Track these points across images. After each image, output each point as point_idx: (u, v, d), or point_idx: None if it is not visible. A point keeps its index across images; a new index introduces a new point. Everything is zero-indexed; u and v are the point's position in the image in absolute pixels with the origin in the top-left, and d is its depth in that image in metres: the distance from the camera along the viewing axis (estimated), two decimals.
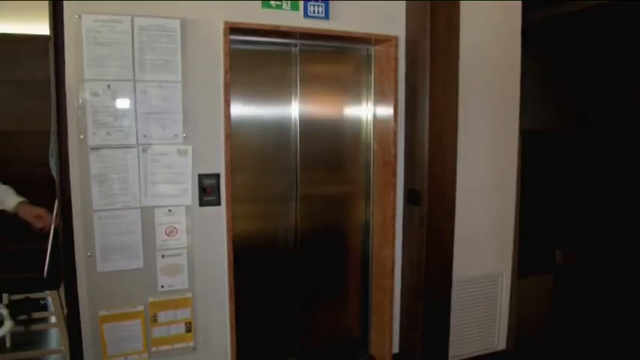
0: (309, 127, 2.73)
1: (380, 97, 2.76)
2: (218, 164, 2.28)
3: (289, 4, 2.39)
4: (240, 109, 2.57)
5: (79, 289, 2.12)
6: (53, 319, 2.92)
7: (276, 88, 2.64)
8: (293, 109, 2.69)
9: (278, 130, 2.67)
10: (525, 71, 2.83)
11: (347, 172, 2.88)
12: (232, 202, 2.39)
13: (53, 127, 2.09)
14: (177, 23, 2.15)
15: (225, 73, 2.23)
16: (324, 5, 2.46)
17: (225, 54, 2.23)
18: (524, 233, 2.97)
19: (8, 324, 1.54)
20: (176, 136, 2.19)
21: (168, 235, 2.22)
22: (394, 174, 2.68)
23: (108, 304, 2.15)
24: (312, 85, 2.71)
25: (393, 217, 2.71)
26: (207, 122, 2.24)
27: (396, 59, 2.60)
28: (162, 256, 2.21)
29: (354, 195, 2.91)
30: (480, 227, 2.85)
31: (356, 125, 2.86)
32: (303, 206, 2.74)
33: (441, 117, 2.52)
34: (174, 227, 2.22)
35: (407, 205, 2.71)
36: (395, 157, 2.66)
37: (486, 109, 2.78)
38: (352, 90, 2.82)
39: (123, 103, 2.11)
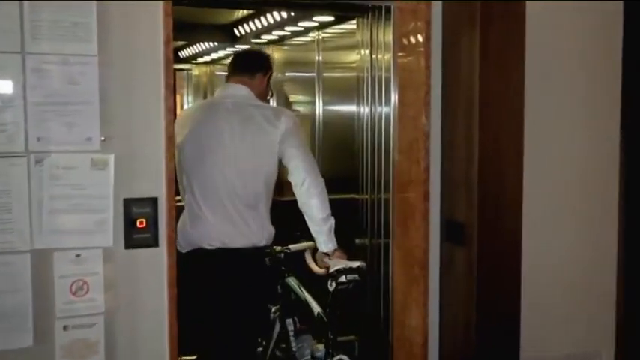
0: None
1: (403, 82, 2.77)
2: (155, 183, 2.25)
3: None
4: None
5: None
6: None
7: None
8: None
9: None
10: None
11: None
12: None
13: None
14: None
15: (166, 42, 2.20)
16: None
17: (167, 14, 2.20)
18: (633, 289, 2.95)
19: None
20: (89, 139, 2.15)
21: (74, 293, 2.18)
22: (426, 197, 2.65)
23: None
24: None
25: (425, 264, 2.67)
26: (138, 118, 2.23)
27: (429, 22, 2.57)
28: (65, 328, 2.17)
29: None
30: (561, 279, 2.80)
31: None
32: None
33: (497, 110, 2.50)
34: (85, 281, 2.18)
35: (445, 245, 2.69)
36: (427, 171, 2.64)
37: (572, 104, 2.79)
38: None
39: (4, 88, 2.08)
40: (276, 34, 4.26)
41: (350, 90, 3.36)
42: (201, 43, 5.59)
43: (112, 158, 2.16)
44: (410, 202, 2.73)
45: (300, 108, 4.42)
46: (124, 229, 2.21)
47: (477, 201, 2.49)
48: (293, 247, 2.91)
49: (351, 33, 3.40)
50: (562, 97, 2.77)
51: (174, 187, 2.29)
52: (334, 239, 2.61)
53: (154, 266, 2.26)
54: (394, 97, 2.81)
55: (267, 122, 2.62)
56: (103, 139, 2.15)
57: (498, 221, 2.54)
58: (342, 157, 3.48)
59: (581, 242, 2.84)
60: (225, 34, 4.75)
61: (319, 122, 4.04)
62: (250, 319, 2.68)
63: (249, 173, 2.62)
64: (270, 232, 2.69)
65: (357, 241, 3.31)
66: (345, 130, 3.45)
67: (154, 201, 2.23)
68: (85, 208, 2.16)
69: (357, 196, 3.28)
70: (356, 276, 2.51)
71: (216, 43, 5.41)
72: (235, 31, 4.59)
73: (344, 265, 2.52)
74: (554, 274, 2.78)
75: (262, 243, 2.65)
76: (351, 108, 3.34)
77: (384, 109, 2.97)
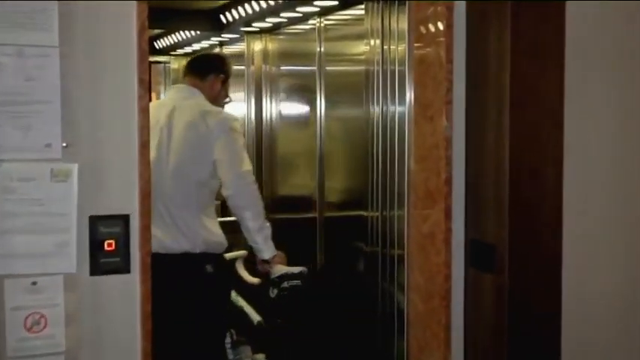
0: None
1: (420, 78, 2.75)
2: (126, 197, 2.25)
3: None
4: None
5: None
6: None
7: None
8: None
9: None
10: None
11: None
12: None
13: None
14: None
15: (140, 31, 2.19)
16: None
17: None
18: None
19: None
20: (49, 145, 2.15)
21: (30, 329, 2.16)
22: (447, 214, 2.60)
23: None
24: None
25: (447, 294, 2.62)
26: (107, 121, 2.22)
27: (451, 7, 2.56)
28: None
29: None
30: (609, 311, 2.74)
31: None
32: None
33: (533, 112, 2.47)
34: (42, 315, 2.17)
35: (471, 271, 2.65)
36: (448, 183, 2.60)
37: (621, 105, 2.75)
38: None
39: None
40: (270, 21, 4.30)
41: (357, 87, 3.41)
42: (181, 32, 5.64)
43: (75, 168, 2.15)
44: (428, 220, 2.67)
45: (299, 107, 4.45)
46: (89, 253, 2.19)
47: (509, 218, 2.42)
48: (227, 255, 3.31)
49: (359, 20, 3.44)
50: (609, 97, 2.72)
51: (150, 203, 2.28)
52: (272, 246, 3.09)
53: (125, 296, 2.25)
54: (409, 95, 2.76)
55: (205, 125, 3.07)
56: (64, 145, 2.14)
57: (534, 243, 2.49)
58: (348, 167, 3.54)
59: (634, 267, 2.80)
60: (210, 21, 4.82)
61: (320, 124, 4.09)
62: (190, 331, 3.06)
63: (183, 175, 3.08)
64: (207, 240, 3.07)
65: (366, 259, 3.36)
66: (351, 134, 3.51)
67: (124, 219, 2.23)
68: (43, 228, 2.14)
69: (365, 213, 3.32)
70: (298, 282, 2.92)
71: (199, 32, 5.43)
72: (222, 17, 4.64)
73: (285, 271, 2.93)
74: (601, 305, 2.70)
75: (197, 250, 3.03)
76: (358, 108, 3.38)
77: (398, 110, 3.04)
